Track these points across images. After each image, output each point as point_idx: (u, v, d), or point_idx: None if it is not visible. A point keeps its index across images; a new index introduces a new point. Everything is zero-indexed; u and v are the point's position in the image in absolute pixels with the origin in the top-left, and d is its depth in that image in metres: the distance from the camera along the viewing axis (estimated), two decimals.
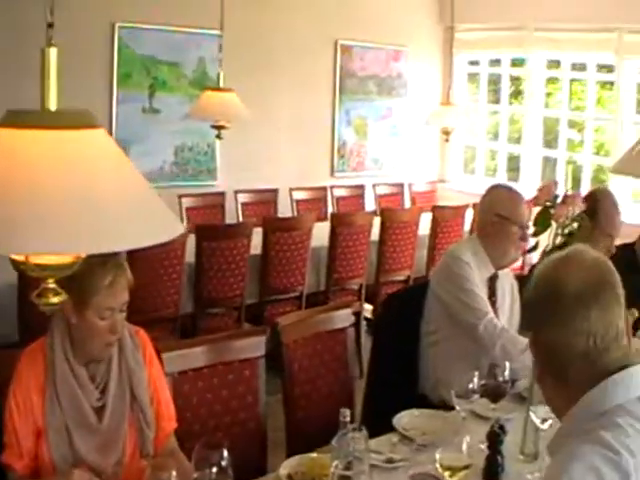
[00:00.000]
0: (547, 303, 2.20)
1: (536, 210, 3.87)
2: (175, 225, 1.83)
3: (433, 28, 11.43)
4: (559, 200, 3.73)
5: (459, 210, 8.22)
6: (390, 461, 3.25)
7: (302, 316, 4.36)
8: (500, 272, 4.50)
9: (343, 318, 4.31)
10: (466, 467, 2.96)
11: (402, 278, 7.79)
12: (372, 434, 3.27)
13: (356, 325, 7.14)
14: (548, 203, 3.73)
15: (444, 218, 8.03)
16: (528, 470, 3.22)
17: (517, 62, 11.09)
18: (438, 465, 2.96)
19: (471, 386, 3.37)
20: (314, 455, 3.27)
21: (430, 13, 11.34)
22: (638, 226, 5.77)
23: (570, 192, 4.07)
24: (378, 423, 3.54)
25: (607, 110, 10.30)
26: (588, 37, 9.58)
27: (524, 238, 4.37)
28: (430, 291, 4.46)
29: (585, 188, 9.10)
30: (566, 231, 3.62)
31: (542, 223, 3.74)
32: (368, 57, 10.87)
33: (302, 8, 9.87)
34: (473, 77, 11.87)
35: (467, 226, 8.19)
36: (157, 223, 1.80)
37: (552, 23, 9.84)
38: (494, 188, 4.63)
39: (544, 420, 3.22)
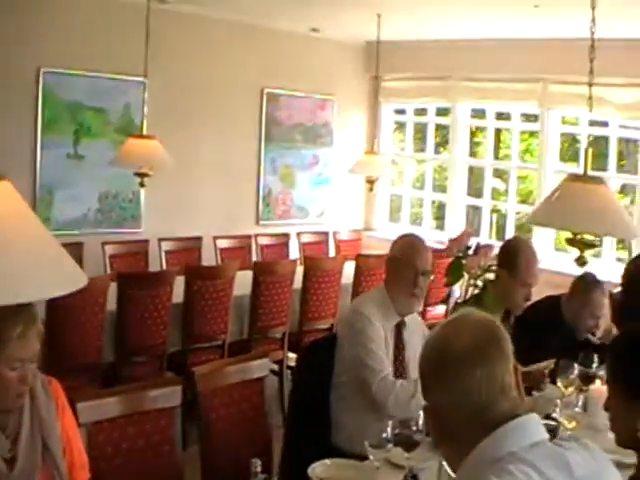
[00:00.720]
0: (434, 367, 2.26)
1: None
2: (79, 276, 1.84)
3: (359, 77, 11.58)
4: (471, 251, 3.79)
5: (383, 258, 8.21)
6: None
7: (219, 366, 4.36)
8: (407, 319, 4.53)
9: (260, 367, 4.30)
10: None
11: (325, 326, 7.79)
12: None
13: (279, 374, 7.18)
14: (460, 254, 3.78)
15: (368, 266, 8.08)
16: None
17: (443, 111, 11.25)
18: None
19: (385, 435, 3.38)
20: None
21: (356, 63, 11.48)
22: (560, 274, 5.87)
23: (482, 243, 4.13)
24: (295, 472, 3.54)
25: (535, 158, 10.47)
26: (513, 87, 9.82)
27: (416, 284, 4.40)
28: (338, 343, 4.46)
29: (509, 237, 9.23)
30: (479, 282, 3.68)
31: (454, 274, 3.79)
32: (295, 106, 10.95)
33: (228, 56, 9.94)
34: (400, 126, 12.02)
35: None
36: (61, 275, 1.81)
37: (477, 73, 10.05)
38: (402, 237, 4.74)
39: None
